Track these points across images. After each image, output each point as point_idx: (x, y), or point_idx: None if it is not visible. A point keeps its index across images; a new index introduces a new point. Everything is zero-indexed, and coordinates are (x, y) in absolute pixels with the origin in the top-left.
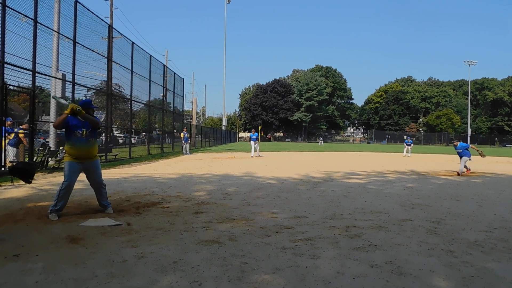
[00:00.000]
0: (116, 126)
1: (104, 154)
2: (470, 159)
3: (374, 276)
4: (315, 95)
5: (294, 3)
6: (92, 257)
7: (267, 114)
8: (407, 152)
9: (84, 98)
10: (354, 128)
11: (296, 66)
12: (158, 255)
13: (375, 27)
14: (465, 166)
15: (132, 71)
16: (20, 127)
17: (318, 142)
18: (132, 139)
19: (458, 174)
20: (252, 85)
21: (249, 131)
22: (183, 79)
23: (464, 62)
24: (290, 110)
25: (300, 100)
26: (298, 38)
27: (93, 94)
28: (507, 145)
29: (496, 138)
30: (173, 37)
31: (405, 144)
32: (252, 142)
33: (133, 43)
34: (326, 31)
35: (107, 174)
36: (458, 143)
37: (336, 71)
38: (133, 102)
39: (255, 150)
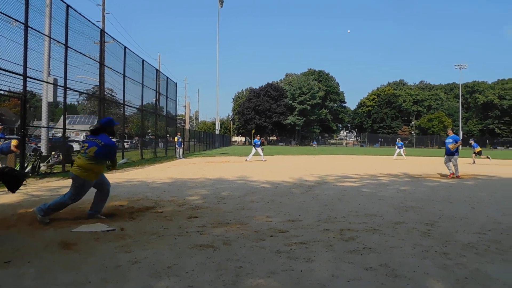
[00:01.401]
0: None
1: None
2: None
3: (369, 279)
4: (308, 99)
5: (286, 7)
6: (85, 263)
7: (260, 118)
8: (399, 154)
9: (76, 103)
10: (347, 131)
11: (289, 70)
12: (152, 260)
13: (367, 31)
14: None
15: (124, 76)
16: (13, 144)
17: (312, 145)
18: (125, 143)
19: (457, 177)
20: (245, 89)
21: (243, 135)
22: (176, 83)
23: (455, 65)
24: (283, 114)
25: (293, 104)
26: (290, 42)
27: (85, 98)
28: (498, 147)
29: (487, 141)
30: (166, 41)
31: (396, 146)
32: (259, 149)
33: (125, 47)
34: (318, 35)
35: None
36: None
37: (329, 75)
38: (125, 106)
39: (259, 155)
